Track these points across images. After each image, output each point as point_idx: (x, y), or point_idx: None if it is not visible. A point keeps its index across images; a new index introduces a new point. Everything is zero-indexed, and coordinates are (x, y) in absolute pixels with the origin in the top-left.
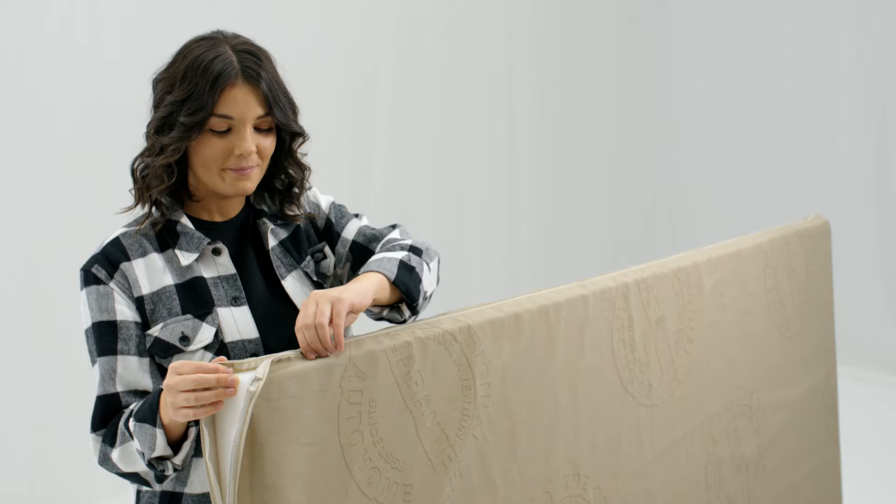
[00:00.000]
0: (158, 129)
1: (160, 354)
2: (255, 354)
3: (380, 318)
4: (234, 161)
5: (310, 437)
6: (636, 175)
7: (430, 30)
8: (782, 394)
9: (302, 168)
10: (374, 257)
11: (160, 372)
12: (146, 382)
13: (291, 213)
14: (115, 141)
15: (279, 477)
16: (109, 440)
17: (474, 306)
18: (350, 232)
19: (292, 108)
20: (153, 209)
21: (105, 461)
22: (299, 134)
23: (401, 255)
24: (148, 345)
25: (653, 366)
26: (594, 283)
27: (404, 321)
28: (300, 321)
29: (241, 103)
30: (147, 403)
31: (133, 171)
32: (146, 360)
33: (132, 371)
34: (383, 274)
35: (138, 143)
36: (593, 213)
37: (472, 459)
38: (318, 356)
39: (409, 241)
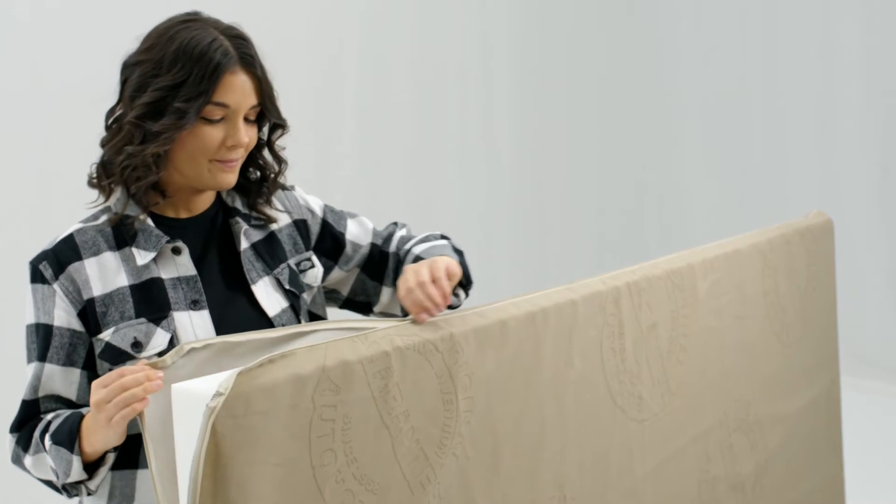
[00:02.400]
0: (144, 115)
1: (110, 361)
2: None
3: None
4: (224, 152)
5: (279, 456)
6: (624, 168)
7: (401, 7)
8: (781, 406)
9: (279, 161)
10: (422, 248)
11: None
12: (70, 392)
13: (266, 211)
14: (60, 128)
15: (245, 500)
16: (23, 445)
17: (456, 312)
18: (359, 235)
19: (276, 97)
20: (128, 203)
21: (17, 461)
22: (280, 126)
23: (445, 241)
24: (98, 350)
25: (644, 377)
26: (583, 287)
27: (459, 305)
28: (402, 289)
29: (239, 91)
30: (66, 426)
31: (107, 162)
32: (76, 371)
33: (55, 381)
34: (449, 257)
35: (89, 130)
36: (577, 208)
37: (453, 480)
38: (429, 317)
39: (437, 233)
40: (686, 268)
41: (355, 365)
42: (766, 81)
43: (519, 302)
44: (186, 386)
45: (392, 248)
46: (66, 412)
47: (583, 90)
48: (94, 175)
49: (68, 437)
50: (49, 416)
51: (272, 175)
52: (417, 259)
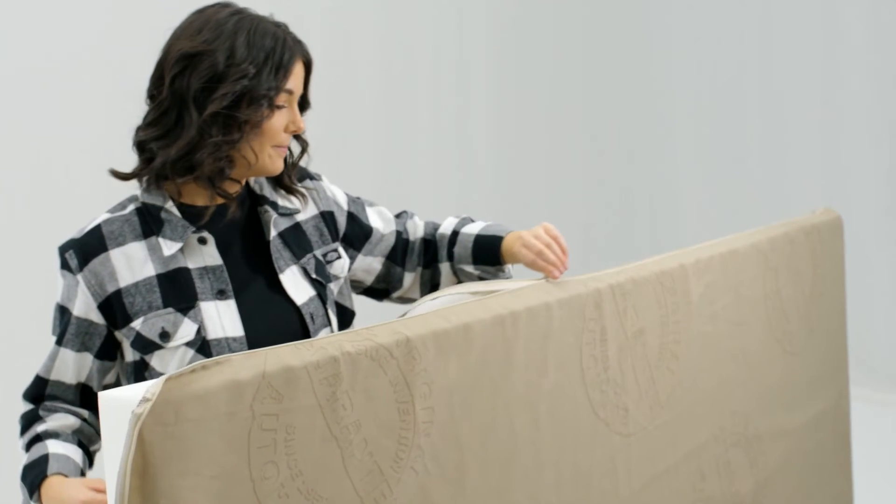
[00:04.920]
0: (231, 104)
1: (141, 350)
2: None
3: (497, 275)
4: (283, 138)
5: (214, 468)
6: (610, 160)
7: None
8: (784, 420)
9: (301, 143)
10: (477, 227)
11: (109, 369)
12: (80, 376)
13: (294, 189)
14: (84, 118)
15: None
16: (21, 430)
17: (415, 314)
18: (382, 225)
19: None
20: (159, 192)
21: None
22: (304, 108)
23: (485, 222)
24: (130, 340)
25: (630, 387)
26: (560, 289)
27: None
28: (531, 254)
29: (298, 78)
30: (31, 476)
31: (179, 158)
32: (88, 356)
33: (68, 365)
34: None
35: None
36: (559, 204)
37: (412, 497)
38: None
39: (466, 216)
40: (677, 269)
41: (299, 371)
42: (765, 67)
43: (486, 304)
44: (113, 393)
45: (419, 234)
46: (43, 446)
47: (566, 78)
48: (154, 175)
49: (29, 488)
50: (39, 429)
51: (295, 155)
52: (479, 238)
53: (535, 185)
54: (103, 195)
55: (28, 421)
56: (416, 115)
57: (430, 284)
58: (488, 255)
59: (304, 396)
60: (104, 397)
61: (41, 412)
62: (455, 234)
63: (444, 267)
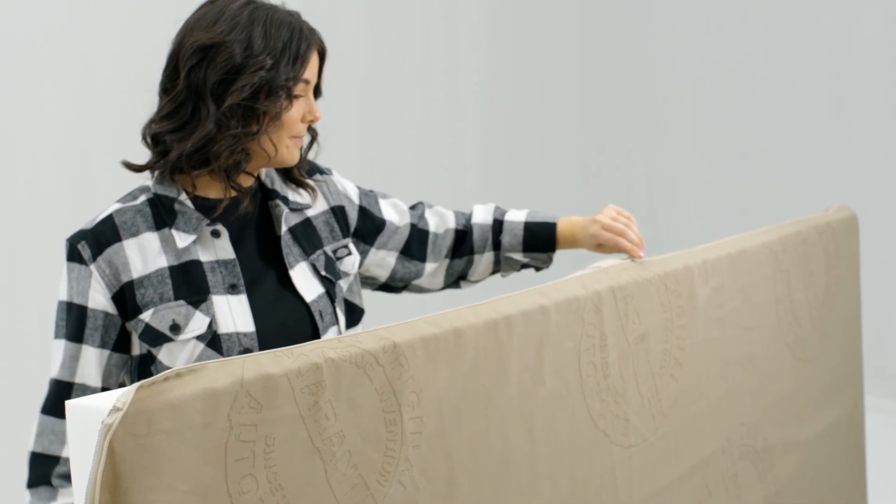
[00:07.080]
0: (250, 96)
1: (149, 343)
2: (248, 350)
3: (539, 266)
4: (302, 127)
5: (189, 482)
6: (609, 155)
7: None
8: (795, 431)
9: (310, 132)
10: (521, 215)
11: (129, 366)
12: (101, 375)
13: (304, 182)
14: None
15: None
16: (30, 481)
17: (402, 319)
18: (396, 217)
19: None
20: (172, 183)
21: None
22: (315, 97)
23: (523, 209)
24: (139, 332)
25: (631, 396)
26: (557, 291)
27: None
28: (613, 236)
29: (314, 67)
30: None
31: (195, 151)
32: (107, 352)
33: (90, 363)
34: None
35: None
36: (554, 201)
37: None
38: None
39: (492, 204)
40: (683, 270)
41: (279, 379)
42: (773, 57)
43: (478, 308)
44: (82, 402)
45: (449, 224)
46: None
47: (561, 69)
48: (168, 168)
49: None
50: None
51: (303, 147)
52: (529, 225)
53: (529, 182)
54: (90, 192)
55: (38, 477)
56: (404, 110)
57: (458, 276)
58: (541, 241)
59: (284, 406)
60: (71, 406)
61: (54, 481)
62: (498, 222)
63: (485, 256)
